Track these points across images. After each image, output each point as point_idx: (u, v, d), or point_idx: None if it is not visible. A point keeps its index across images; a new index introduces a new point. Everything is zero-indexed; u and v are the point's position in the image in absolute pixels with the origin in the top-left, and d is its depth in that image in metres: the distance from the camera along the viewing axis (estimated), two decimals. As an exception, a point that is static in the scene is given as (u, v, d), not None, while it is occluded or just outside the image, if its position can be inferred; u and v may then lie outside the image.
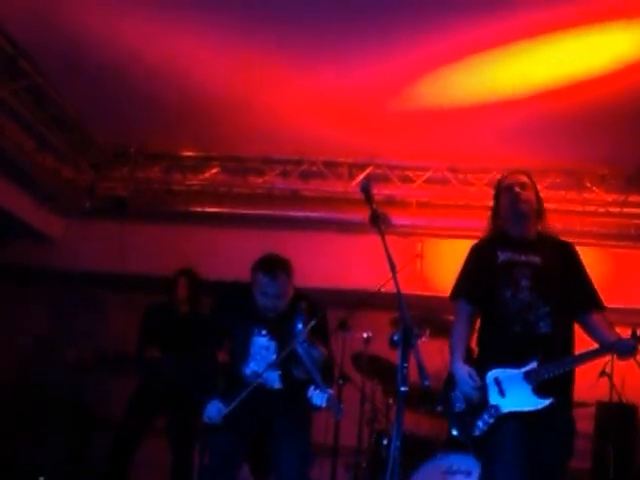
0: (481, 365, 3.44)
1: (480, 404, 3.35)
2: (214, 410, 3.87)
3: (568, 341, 3.47)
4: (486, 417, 3.32)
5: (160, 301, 5.70)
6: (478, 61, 4.69)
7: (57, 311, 7.12)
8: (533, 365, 3.32)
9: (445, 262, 6.23)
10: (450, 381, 3.47)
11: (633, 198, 6.01)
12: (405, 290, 2.84)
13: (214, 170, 6.42)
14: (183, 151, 6.40)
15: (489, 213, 3.75)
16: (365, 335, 5.26)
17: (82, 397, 6.28)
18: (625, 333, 3.39)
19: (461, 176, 6.18)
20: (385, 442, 4.90)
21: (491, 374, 3.38)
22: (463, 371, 3.40)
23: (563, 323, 3.44)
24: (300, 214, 6.35)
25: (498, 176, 5.86)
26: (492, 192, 5.76)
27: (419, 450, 4.69)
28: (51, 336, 6.63)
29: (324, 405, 3.83)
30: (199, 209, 6.44)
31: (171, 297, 5.65)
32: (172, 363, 5.24)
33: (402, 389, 2.75)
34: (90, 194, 6.37)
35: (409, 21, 4.35)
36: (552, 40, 4.42)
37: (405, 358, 2.77)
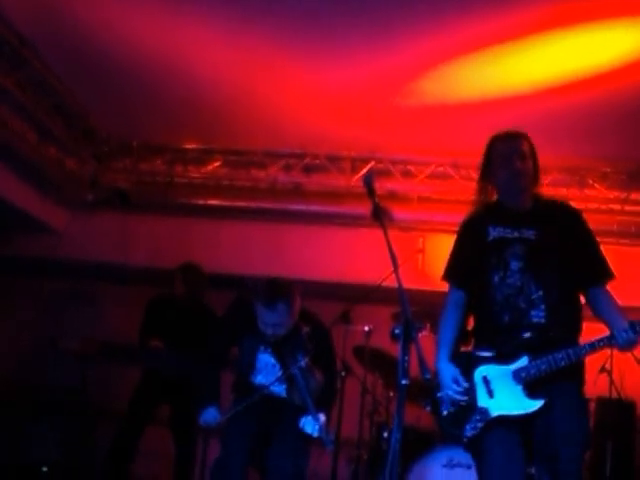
0: (472, 359, 3.18)
1: (468, 406, 3.10)
2: (210, 416, 3.95)
3: (570, 330, 3.13)
4: (474, 421, 3.07)
5: (163, 293, 5.72)
6: (481, 57, 4.68)
7: (58, 303, 7.13)
8: (523, 361, 3.05)
9: (446, 257, 6.23)
10: (426, 376, 3.17)
11: (635, 195, 6.00)
12: (406, 285, 2.82)
13: (217, 163, 6.42)
14: (186, 144, 6.39)
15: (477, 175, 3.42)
16: (366, 328, 5.27)
17: (84, 388, 6.28)
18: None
19: (463, 171, 6.15)
20: (386, 435, 4.91)
21: (479, 371, 3.13)
22: (447, 373, 3.14)
23: (562, 308, 3.10)
24: (302, 208, 6.35)
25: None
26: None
27: (419, 443, 4.69)
28: (52, 327, 6.62)
29: (315, 435, 3.88)
30: (201, 202, 6.44)
31: (172, 291, 5.67)
32: (175, 355, 5.25)
33: (403, 382, 2.73)
34: (93, 186, 6.38)
35: (412, 17, 4.34)
36: (555, 37, 4.42)
37: (406, 351, 2.76)
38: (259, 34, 4.64)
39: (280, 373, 4.01)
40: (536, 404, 3.00)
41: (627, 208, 6.02)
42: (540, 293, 3.09)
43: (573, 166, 6.02)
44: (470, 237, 3.35)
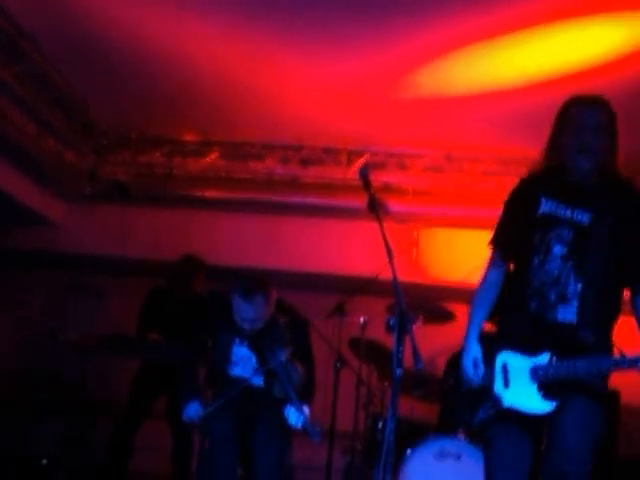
0: (496, 342, 2.99)
1: (485, 390, 2.96)
2: (192, 411, 3.96)
3: (602, 332, 2.85)
4: (488, 406, 2.94)
5: (162, 285, 5.75)
6: (475, 51, 4.69)
7: (58, 295, 7.15)
8: (544, 359, 2.83)
9: (440, 250, 6.28)
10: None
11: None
12: (400, 278, 2.83)
13: (214, 155, 6.42)
14: (184, 136, 6.40)
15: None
16: (362, 320, 5.28)
17: (83, 381, 6.31)
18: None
19: (457, 164, 6.18)
20: (380, 425, 4.94)
21: (500, 358, 2.95)
22: (469, 355, 2.99)
23: (598, 307, 2.81)
24: (299, 200, 6.37)
25: (493, 166, 6.01)
26: (487, 181, 5.91)
27: (412, 434, 4.71)
28: (51, 320, 6.63)
29: (299, 426, 3.90)
30: (199, 194, 6.46)
31: (176, 283, 5.68)
32: (173, 347, 5.28)
33: (397, 372, 2.73)
34: (91, 178, 6.38)
35: (408, 10, 4.34)
36: (548, 31, 4.43)
37: (400, 342, 2.76)
38: (258, 27, 4.65)
39: (257, 365, 4.02)
40: (548, 406, 2.82)
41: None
42: (578, 287, 2.81)
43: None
44: (521, 206, 3.02)
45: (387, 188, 6.14)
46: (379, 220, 2.92)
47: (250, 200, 6.45)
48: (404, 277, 2.93)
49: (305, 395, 4.05)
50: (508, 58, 4.77)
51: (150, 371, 5.53)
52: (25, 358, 6.76)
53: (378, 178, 5.97)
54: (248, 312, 3.91)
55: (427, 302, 5.12)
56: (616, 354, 2.85)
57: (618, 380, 5.48)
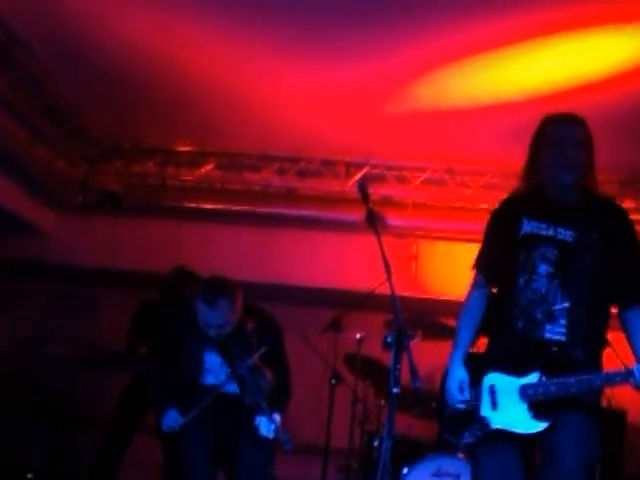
0: (483, 363, 2.96)
1: (471, 413, 2.90)
2: (171, 420, 3.86)
3: (592, 350, 2.83)
4: (475, 429, 2.87)
5: (153, 298, 5.66)
6: (476, 63, 4.67)
7: (46, 306, 7.07)
8: (533, 378, 2.79)
9: (440, 265, 6.22)
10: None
11: (627, 204, 5.97)
12: (399, 292, 2.79)
13: (209, 166, 6.38)
14: (178, 146, 6.36)
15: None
16: (358, 336, 5.23)
17: (72, 394, 6.22)
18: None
19: (458, 178, 6.15)
20: (376, 443, 4.86)
21: (488, 379, 2.90)
22: (455, 377, 2.94)
23: (587, 325, 2.79)
24: (295, 212, 6.33)
25: (494, 179, 5.95)
26: (488, 195, 5.86)
27: (409, 452, 4.64)
28: (41, 331, 6.58)
29: (271, 436, 3.80)
30: (193, 205, 6.41)
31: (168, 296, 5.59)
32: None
33: (394, 390, 2.69)
34: (83, 188, 6.34)
35: (408, 21, 4.33)
36: (550, 43, 4.40)
37: (398, 360, 2.72)
38: (255, 37, 4.63)
39: (229, 372, 3.91)
40: (539, 426, 2.76)
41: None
42: (565, 305, 2.80)
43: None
44: (503, 227, 3.02)
45: (386, 201, 6.10)
46: (377, 234, 2.89)
47: (245, 212, 6.39)
48: (403, 292, 2.95)
49: (276, 402, 3.93)
50: (508, 71, 4.75)
51: (140, 385, 5.42)
52: (13, 369, 6.63)
53: (377, 191, 5.94)
54: (212, 318, 3.78)
55: (426, 317, 5.06)
56: (621, 369, 2.77)
57: (625, 399, 5.44)
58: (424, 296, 5.91)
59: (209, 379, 3.97)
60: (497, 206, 3.13)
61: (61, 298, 7.06)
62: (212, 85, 5.23)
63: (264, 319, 4.08)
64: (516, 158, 5.54)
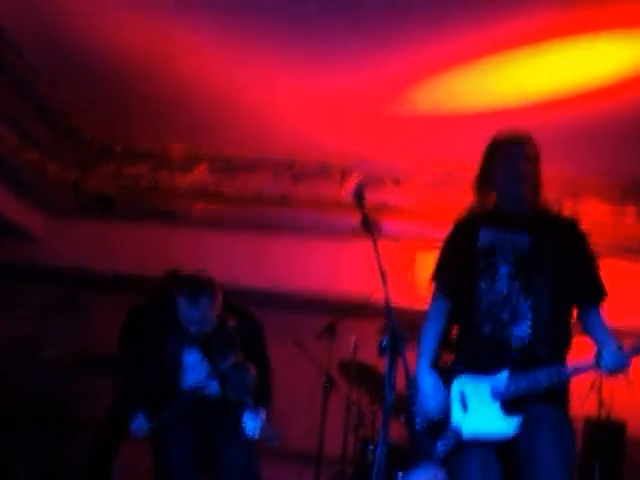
0: (451, 371, 3.00)
1: (442, 421, 2.92)
2: (139, 424, 3.85)
3: (558, 346, 2.92)
4: (447, 437, 2.89)
5: (144, 302, 5.60)
6: (476, 68, 4.65)
7: (38, 311, 7.00)
8: (503, 377, 2.84)
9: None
10: (412, 391, 3.04)
11: (629, 212, 5.96)
12: (395, 300, 2.75)
13: (202, 169, 6.37)
14: (171, 149, 6.35)
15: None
16: (353, 342, 5.20)
17: (64, 399, 6.17)
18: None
19: (455, 184, 6.02)
20: (370, 449, 4.85)
21: (456, 384, 2.94)
22: (427, 383, 2.95)
23: (552, 322, 2.90)
24: (290, 217, 6.31)
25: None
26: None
27: (404, 459, 4.54)
28: (32, 336, 6.55)
29: (257, 436, 3.81)
30: (186, 209, 6.39)
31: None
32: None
33: (389, 397, 2.65)
34: (74, 191, 6.32)
35: (405, 26, 4.31)
36: (551, 49, 4.38)
37: (393, 366, 2.68)
38: (250, 40, 4.62)
39: (209, 369, 3.89)
40: (512, 424, 2.81)
41: (620, 223, 5.95)
42: (528, 303, 2.90)
43: (567, 180, 5.96)
44: (461, 240, 3.16)
45: (383, 207, 6.08)
46: (373, 240, 2.86)
47: (239, 217, 6.38)
48: (399, 299, 2.91)
49: (261, 400, 3.94)
50: (508, 76, 4.73)
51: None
52: (4, 374, 6.55)
53: (373, 196, 5.82)
54: (194, 315, 3.78)
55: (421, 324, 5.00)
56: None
57: (624, 412, 5.39)
58: (421, 304, 5.85)
59: (189, 377, 3.93)
60: (453, 224, 3.27)
61: (53, 302, 7.01)
62: (206, 88, 5.22)
63: (245, 317, 4.07)
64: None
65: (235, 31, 4.54)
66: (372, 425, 5.19)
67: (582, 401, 4.86)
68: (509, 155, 3.09)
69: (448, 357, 3.14)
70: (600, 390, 5.08)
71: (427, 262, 6.04)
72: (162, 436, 3.85)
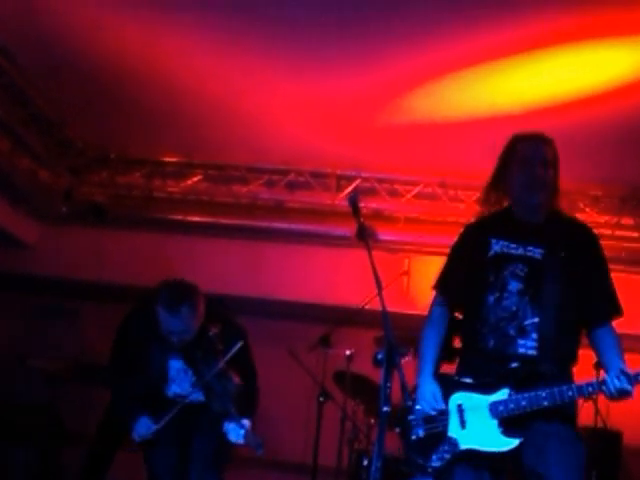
0: (450, 384, 2.93)
1: (438, 434, 2.85)
2: (143, 427, 3.81)
3: (563, 364, 2.85)
4: (442, 451, 2.83)
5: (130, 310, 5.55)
6: (471, 75, 4.62)
7: (29, 319, 6.95)
8: (503, 394, 2.77)
9: (432, 280, 6.10)
10: (408, 402, 2.95)
11: (626, 220, 5.92)
12: (390, 308, 2.73)
13: (196, 177, 6.31)
14: (165, 157, 6.29)
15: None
16: (348, 352, 5.16)
17: (54, 409, 6.09)
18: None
19: (451, 192, 6.08)
20: (365, 463, 4.78)
21: (454, 398, 2.88)
22: (427, 389, 2.90)
23: (558, 339, 2.81)
24: (284, 226, 6.24)
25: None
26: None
27: (399, 472, 4.46)
28: (22, 345, 6.47)
29: (241, 442, 3.76)
30: (180, 217, 6.32)
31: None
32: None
33: (384, 409, 2.62)
34: (67, 199, 6.25)
35: (400, 33, 4.29)
36: (547, 56, 4.35)
37: (388, 378, 2.66)
38: (245, 47, 4.59)
39: (194, 379, 3.86)
40: (510, 443, 2.73)
41: (618, 233, 5.89)
42: (535, 320, 2.81)
43: (563, 189, 5.88)
44: (469, 249, 3.05)
45: (378, 215, 6.04)
46: (368, 249, 2.83)
47: (233, 225, 6.30)
48: (394, 308, 2.93)
49: (245, 407, 3.88)
50: (504, 83, 4.70)
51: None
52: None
53: (368, 204, 5.90)
54: (174, 324, 3.73)
55: (418, 334, 4.94)
56: (592, 379, 2.77)
57: (620, 421, 5.34)
58: (416, 312, 5.81)
59: (173, 388, 3.92)
60: (463, 230, 3.15)
61: (44, 311, 6.95)
62: (200, 96, 5.18)
63: (228, 324, 4.00)
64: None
65: (230, 39, 4.51)
66: (367, 437, 5.15)
67: (578, 410, 4.83)
68: (526, 160, 2.94)
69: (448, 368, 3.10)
70: (596, 399, 5.03)
71: (422, 269, 6.06)
72: (147, 452, 3.85)
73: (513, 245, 2.92)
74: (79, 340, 6.71)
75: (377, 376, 2.75)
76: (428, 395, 2.89)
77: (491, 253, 2.94)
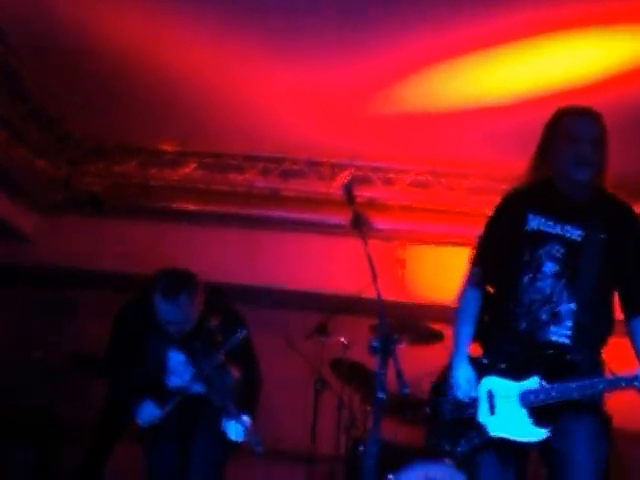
0: (480, 367, 2.86)
1: (468, 419, 2.81)
2: (149, 413, 3.75)
3: (596, 353, 2.77)
4: (471, 436, 2.79)
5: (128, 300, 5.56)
6: (464, 64, 4.61)
7: (28, 310, 6.93)
8: (534, 382, 2.71)
9: (427, 268, 6.17)
10: (441, 384, 2.98)
11: (637, 210, 5.92)
12: (385, 296, 2.76)
13: (192, 166, 6.29)
14: (161, 146, 6.27)
15: (533, 152, 2.87)
16: (344, 340, 5.22)
17: (53, 402, 6.10)
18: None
19: (444, 180, 6.08)
20: (362, 449, 4.82)
21: (485, 383, 2.82)
22: (462, 373, 2.84)
23: (593, 328, 2.72)
24: (279, 214, 6.25)
25: (481, 182, 5.89)
26: (473, 198, 5.81)
27: (395, 458, 4.60)
28: (21, 336, 6.46)
29: (240, 440, 3.70)
30: (176, 206, 6.32)
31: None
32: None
33: (380, 396, 2.65)
34: (65, 188, 6.22)
35: (393, 22, 4.28)
36: (541, 44, 4.34)
37: (384, 365, 2.69)
38: (240, 37, 4.58)
39: (194, 371, 3.75)
40: (540, 434, 2.69)
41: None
42: (571, 306, 2.71)
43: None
44: (507, 223, 2.90)
45: (372, 203, 6.04)
46: (363, 237, 2.85)
47: (229, 213, 6.30)
48: (389, 296, 2.88)
49: (245, 402, 3.82)
50: (500, 71, 4.69)
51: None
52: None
53: (363, 193, 5.88)
54: (172, 314, 3.62)
55: (413, 322, 5.00)
56: (608, 375, 2.77)
57: (609, 405, 5.37)
58: (411, 300, 5.87)
59: (173, 380, 3.81)
60: (500, 201, 3.00)
61: (42, 302, 6.92)
62: (196, 85, 5.17)
63: (228, 314, 3.92)
64: (503, 161, 5.57)
65: (225, 29, 4.49)
66: (363, 425, 5.16)
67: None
68: (574, 135, 2.80)
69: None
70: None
71: (416, 258, 6.09)
72: (147, 448, 3.79)
73: (550, 223, 2.79)
74: (78, 330, 6.66)
75: (373, 363, 2.76)
76: (463, 382, 2.83)
77: (527, 228, 2.81)
